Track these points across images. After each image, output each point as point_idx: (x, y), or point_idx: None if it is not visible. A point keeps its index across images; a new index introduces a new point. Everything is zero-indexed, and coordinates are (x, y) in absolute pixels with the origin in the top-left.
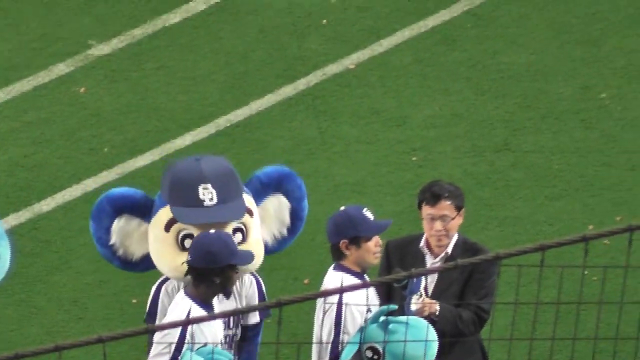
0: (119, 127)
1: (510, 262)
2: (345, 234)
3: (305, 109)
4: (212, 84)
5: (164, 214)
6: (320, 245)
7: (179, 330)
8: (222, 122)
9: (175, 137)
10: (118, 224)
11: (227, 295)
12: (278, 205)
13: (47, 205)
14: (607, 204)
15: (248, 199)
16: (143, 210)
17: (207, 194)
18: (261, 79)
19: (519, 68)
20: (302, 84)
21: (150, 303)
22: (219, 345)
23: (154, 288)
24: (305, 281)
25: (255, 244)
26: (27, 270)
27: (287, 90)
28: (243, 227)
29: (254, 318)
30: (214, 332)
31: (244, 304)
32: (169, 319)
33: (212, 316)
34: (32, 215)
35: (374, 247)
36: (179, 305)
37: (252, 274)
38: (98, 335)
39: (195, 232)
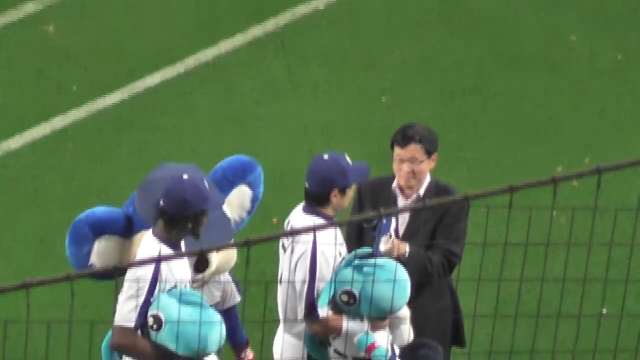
0: (87, 66)
1: (479, 203)
2: (337, 184)
3: (274, 49)
4: (181, 23)
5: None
6: (289, 186)
7: (151, 271)
8: (191, 62)
9: (144, 76)
10: (98, 246)
11: (197, 237)
12: (241, 195)
13: (15, 143)
14: (576, 147)
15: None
16: (122, 228)
17: None
18: (230, 20)
19: (488, 11)
20: (271, 24)
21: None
22: (188, 285)
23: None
24: (274, 220)
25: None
26: None
27: (257, 31)
28: None
29: (234, 299)
30: (183, 271)
31: (219, 296)
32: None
33: (180, 254)
34: (0, 153)
35: (351, 191)
36: (149, 247)
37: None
38: (66, 273)
39: None
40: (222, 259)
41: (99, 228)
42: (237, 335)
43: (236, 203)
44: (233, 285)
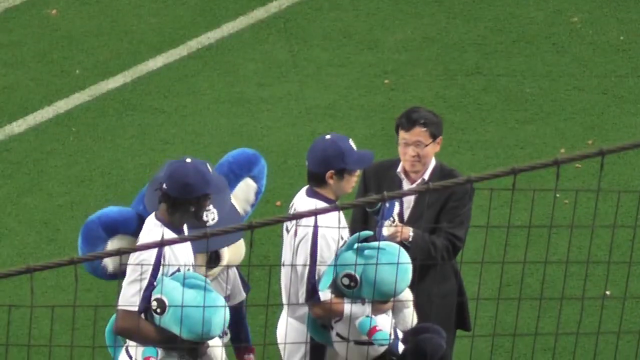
0: (90, 49)
1: (482, 186)
2: (333, 166)
3: (277, 31)
4: (184, 6)
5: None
6: (292, 168)
7: (154, 254)
8: (194, 44)
9: (146, 59)
10: (111, 246)
11: (199, 220)
12: (246, 188)
13: (18, 127)
14: (579, 128)
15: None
16: (135, 228)
17: (210, 214)
18: (233, 2)
19: None
20: (273, 6)
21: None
22: (191, 268)
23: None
24: (277, 203)
25: (240, 240)
26: None
27: (259, 13)
28: None
29: (240, 296)
30: (186, 255)
31: (229, 289)
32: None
33: (184, 238)
34: (3, 137)
35: (354, 177)
36: (152, 231)
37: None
38: (70, 257)
39: None
40: (233, 253)
41: (112, 228)
42: (241, 337)
43: (242, 197)
44: (239, 281)
